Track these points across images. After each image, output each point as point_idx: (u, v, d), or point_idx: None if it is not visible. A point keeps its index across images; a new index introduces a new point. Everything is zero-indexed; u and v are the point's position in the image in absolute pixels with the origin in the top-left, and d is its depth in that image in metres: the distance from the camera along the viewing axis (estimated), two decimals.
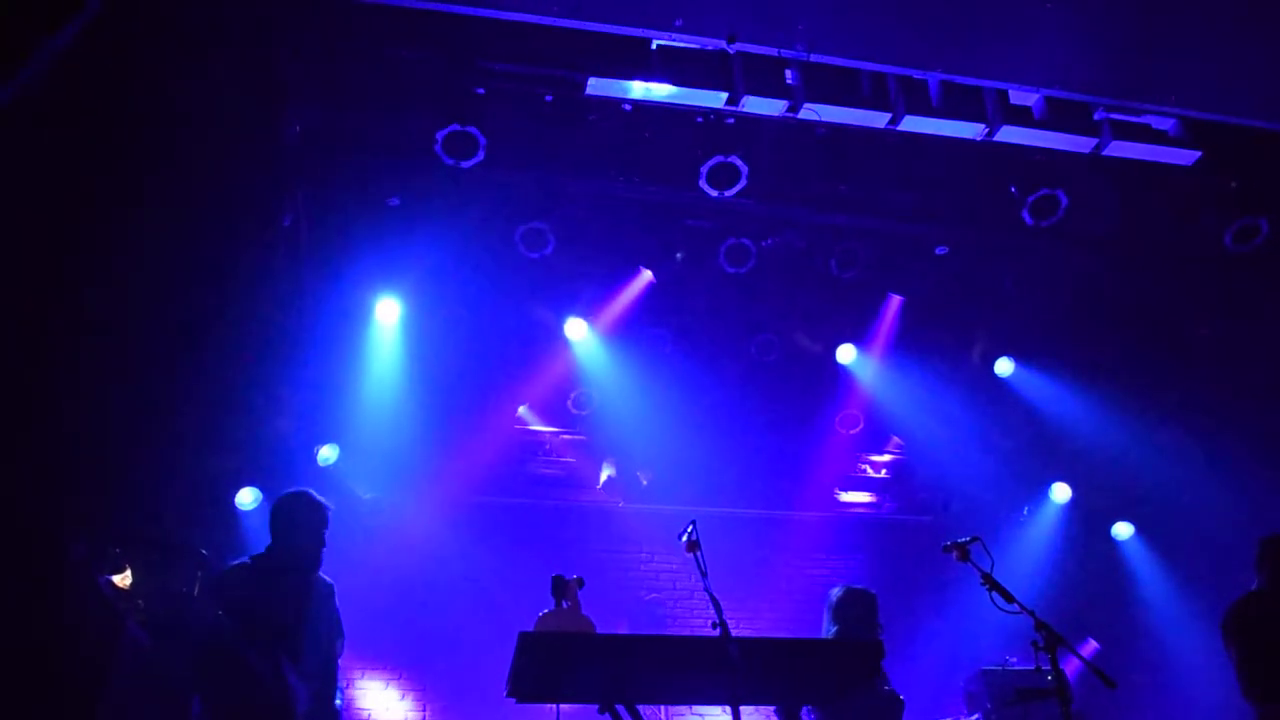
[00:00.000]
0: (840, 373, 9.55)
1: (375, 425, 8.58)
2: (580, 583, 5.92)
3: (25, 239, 4.97)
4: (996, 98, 6.71)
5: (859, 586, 6.29)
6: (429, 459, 9.08)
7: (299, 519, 5.37)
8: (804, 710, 5.71)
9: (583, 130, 7.03)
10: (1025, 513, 10.45)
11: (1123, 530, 10.27)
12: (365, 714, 8.91)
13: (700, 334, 9.15)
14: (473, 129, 6.57)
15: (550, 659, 3.98)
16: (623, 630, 8.41)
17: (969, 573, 4.79)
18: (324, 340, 7.98)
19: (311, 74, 6.49)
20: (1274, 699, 5.44)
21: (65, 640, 5.41)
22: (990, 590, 4.69)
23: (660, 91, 6.47)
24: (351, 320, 8.18)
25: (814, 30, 6.09)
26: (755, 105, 6.49)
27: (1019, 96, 6.73)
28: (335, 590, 5.53)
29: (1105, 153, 6.90)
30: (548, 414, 9.86)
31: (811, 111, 6.48)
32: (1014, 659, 8.09)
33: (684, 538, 4.76)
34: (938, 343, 9.32)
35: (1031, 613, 4.51)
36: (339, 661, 5.56)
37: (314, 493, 5.47)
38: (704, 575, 4.41)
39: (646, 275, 8.40)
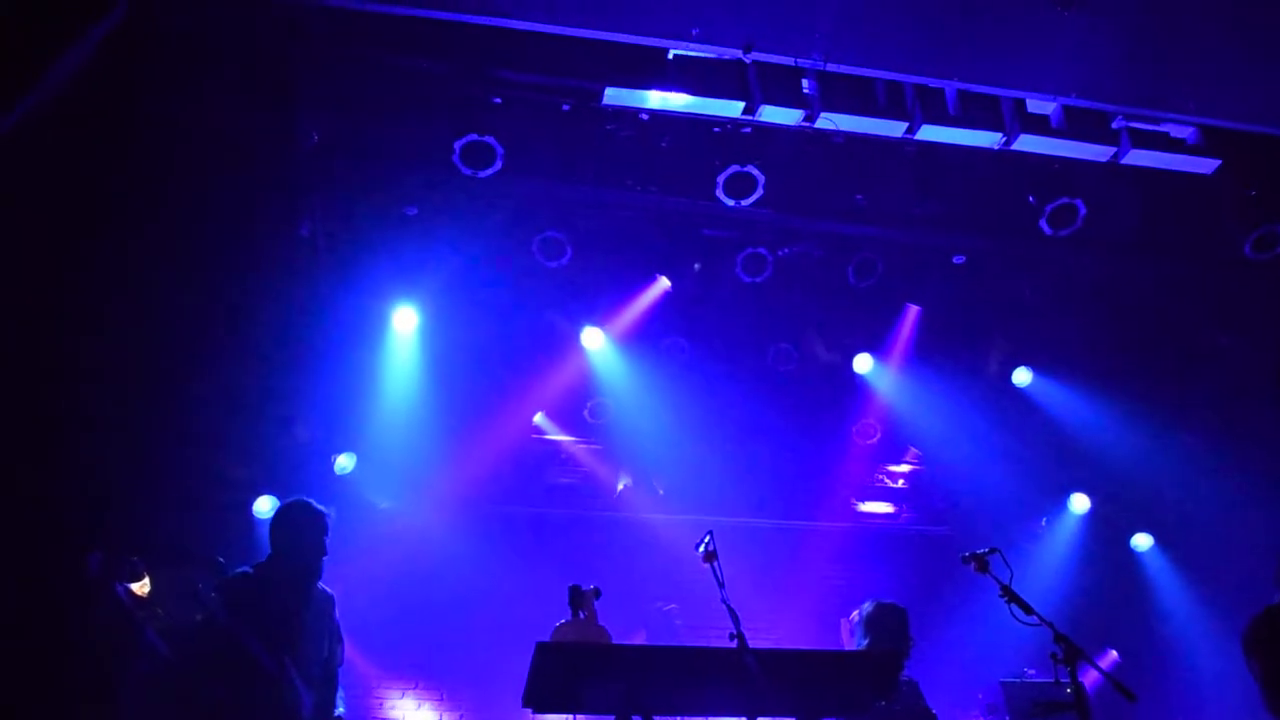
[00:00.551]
0: (857, 383, 9.51)
1: (392, 434, 8.58)
2: (597, 593, 5.93)
3: (46, 251, 5.01)
4: (1014, 106, 6.68)
5: (889, 601, 6.17)
6: (445, 468, 9.07)
7: (299, 528, 5.40)
8: None
9: (600, 140, 7.08)
10: (1044, 523, 10.38)
11: (1142, 541, 10.16)
12: None
13: (717, 343, 9.11)
14: (490, 139, 6.56)
15: (567, 669, 3.99)
16: (639, 641, 8.38)
17: (988, 584, 4.77)
18: (341, 349, 7.99)
19: (329, 84, 6.51)
20: None
21: (84, 648, 5.45)
22: (1009, 602, 4.67)
23: (677, 101, 6.47)
24: (368, 329, 8.19)
25: (830, 39, 6.06)
26: (772, 115, 6.48)
27: (1036, 105, 6.70)
28: (335, 601, 5.54)
29: (1124, 161, 6.86)
30: (564, 423, 9.84)
31: (828, 121, 6.47)
32: (1033, 671, 8.04)
33: (701, 548, 4.76)
34: (955, 353, 9.27)
35: (1050, 625, 4.48)
36: (339, 670, 5.58)
37: (314, 502, 5.49)
38: (721, 586, 4.41)
39: (663, 283, 8.39)
